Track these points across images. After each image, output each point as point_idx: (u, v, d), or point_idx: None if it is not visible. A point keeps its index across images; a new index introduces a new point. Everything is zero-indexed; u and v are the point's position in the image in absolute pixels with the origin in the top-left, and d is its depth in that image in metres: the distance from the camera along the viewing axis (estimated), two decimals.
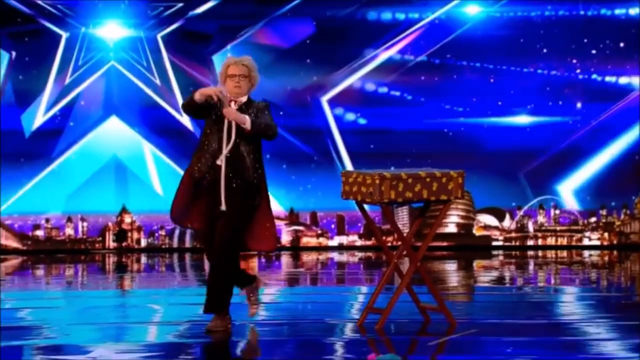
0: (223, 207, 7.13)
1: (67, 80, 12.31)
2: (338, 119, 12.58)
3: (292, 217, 12.50)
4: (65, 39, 12.28)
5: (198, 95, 7.09)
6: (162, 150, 12.46)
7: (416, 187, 7.52)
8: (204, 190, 7.26)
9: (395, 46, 12.54)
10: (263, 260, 11.90)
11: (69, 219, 12.27)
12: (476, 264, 11.71)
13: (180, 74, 12.44)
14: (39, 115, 12.28)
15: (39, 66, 12.27)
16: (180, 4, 12.38)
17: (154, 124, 12.46)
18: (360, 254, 12.20)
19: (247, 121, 7.09)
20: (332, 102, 12.59)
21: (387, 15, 12.58)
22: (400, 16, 12.58)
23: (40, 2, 12.20)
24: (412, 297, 7.81)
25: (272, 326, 7.83)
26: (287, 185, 12.45)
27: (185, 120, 12.42)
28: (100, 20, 12.31)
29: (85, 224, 12.32)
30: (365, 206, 7.76)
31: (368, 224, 8.12)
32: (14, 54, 12.17)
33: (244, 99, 7.28)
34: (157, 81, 12.45)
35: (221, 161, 7.13)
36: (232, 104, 7.22)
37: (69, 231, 12.29)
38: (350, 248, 12.46)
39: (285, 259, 12.01)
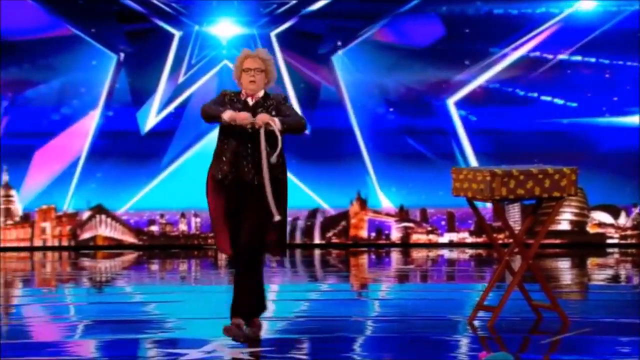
0: (276, 218, 6.72)
1: (180, 80, 12.46)
2: (458, 118, 12.45)
3: (402, 214, 12.46)
4: (178, 37, 12.44)
5: (228, 119, 6.74)
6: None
7: (528, 184, 7.41)
8: (224, 190, 6.91)
9: (515, 43, 12.35)
10: (373, 256, 11.89)
11: (183, 215, 12.45)
12: (590, 261, 11.50)
13: (293, 73, 12.48)
14: (151, 115, 12.45)
15: (151, 65, 12.45)
16: (294, 1, 12.41)
17: None
18: (470, 251, 12.10)
19: (277, 125, 6.77)
20: (456, 102, 12.47)
21: (512, 11, 12.39)
22: (515, 12, 12.40)
23: (154, 1, 12.38)
24: (524, 295, 7.71)
25: (382, 323, 7.80)
26: (397, 182, 12.41)
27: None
28: (214, 18, 12.43)
29: (198, 219, 12.47)
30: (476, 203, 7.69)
31: (479, 221, 8.04)
32: (122, 55, 12.36)
33: (261, 93, 6.93)
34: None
35: (265, 173, 6.73)
36: (249, 99, 6.90)
37: (183, 227, 12.46)
38: (460, 245, 12.36)
39: (395, 255, 11.97)
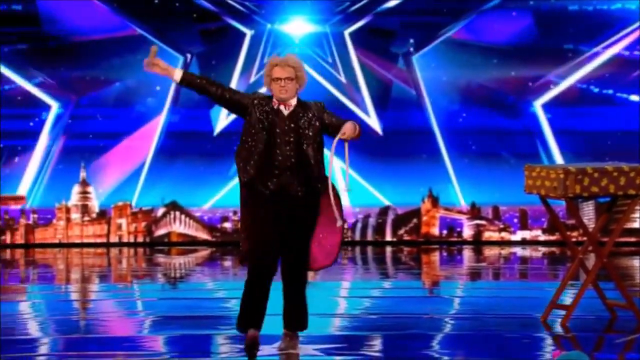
0: (339, 222, 6.48)
1: (252, 79, 12.47)
2: (545, 119, 12.31)
3: (474, 212, 12.33)
4: (250, 36, 12.46)
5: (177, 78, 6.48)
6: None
7: (602, 182, 7.27)
8: (264, 201, 6.52)
9: (606, 42, 12.16)
10: (444, 254, 11.79)
11: None
12: None
13: (366, 71, 12.42)
14: (222, 116, 12.48)
15: (223, 64, 12.48)
16: None
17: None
18: (543, 249, 11.94)
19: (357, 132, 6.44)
20: (542, 104, 12.33)
21: (588, 7, 12.21)
22: (590, 8, 12.22)
23: (227, 0, 12.40)
24: (598, 293, 7.57)
25: (455, 321, 7.73)
26: (470, 179, 12.29)
27: (373, 121, 12.38)
28: (286, 16, 12.43)
29: None
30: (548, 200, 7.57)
31: (552, 218, 7.91)
32: (188, 56, 12.40)
33: (294, 101, 6.52)
34: (342, 78, 12.48)
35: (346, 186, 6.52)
36: (282, 107, 6.50)
37: None
38: (533, 243, 12.20)
39: (467, 253, 11.86)
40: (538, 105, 12.26)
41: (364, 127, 12.18)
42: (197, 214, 12.40)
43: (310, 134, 6.48)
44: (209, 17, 12.38)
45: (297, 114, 6.50)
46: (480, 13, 12.17)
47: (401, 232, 12.30)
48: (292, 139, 6.46)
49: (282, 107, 6.50)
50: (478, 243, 12.25)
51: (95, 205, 12.29)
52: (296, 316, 6.65)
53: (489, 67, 12.24)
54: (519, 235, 12.28)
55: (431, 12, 12.25)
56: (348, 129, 6.43)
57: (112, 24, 12.31)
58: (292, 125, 6.48)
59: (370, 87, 12.33)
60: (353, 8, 12.32)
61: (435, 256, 11.66)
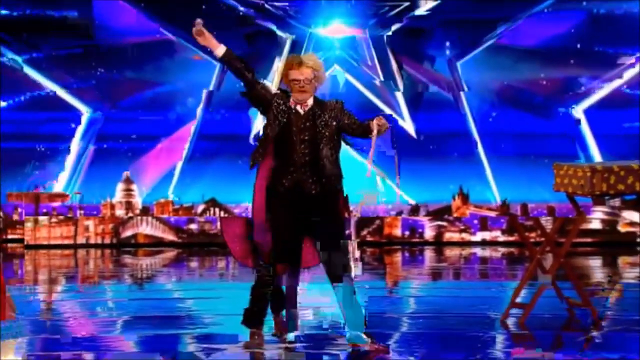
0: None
1: None
2: (585, 122, 12.38)
3: (504, 208, 12.30)
4: (291, 40, 12.45)
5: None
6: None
7: (629, 179, 7.28)
8: (281, 199, 6.53)
9: None
10: (407, 254, 11.84)
11: None
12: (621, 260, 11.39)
13: (404, 74, 12.44)
14: (259, 118, 12.53)
15: (265, 69, 12.50)
16: (407, 3, 12.31)
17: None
18: (502, 250, 12.01)
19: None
20: (584, 109, 12.40)
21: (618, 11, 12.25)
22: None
23: (267, 6, 12.40)
24: (556, 292, 7.64)
25: (415, 319, 7.76)
26: (502, 177, 12.38)
27: (407, 124, 12.44)
28: (326, 20, 12.40)
29: None
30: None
31: (511, 219, 7.96)
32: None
33: (310, 100, 6.52)
34: (378, 82, 12.50)
35: (370, 173, 6.50)
36: (298, 107, 6.50)
37: None
38: (492, 243, 12.25)
39: (429, 253, 11.91)
40: (580, 109, 12.30)
41: (397, 129, 12.35)
42: (236, 211, 12.43)
43: (327, 133, 6.46)
44: (249, 21, 12.42)
45: (314, 113, 6.49)
46: (519, 18, 12.17)
47: (364, 233, 12.34)
48: (307, 138, 6.44)
49: (298, 107, 6.49)
50: (439, 244, 12.31)
51: (138, 202, 12.45)
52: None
53: (531, 70, 12.26)
54: (479, 236, 12.35)
55: (470, 17, 12.18)
56: (381, 127, 6.35)
57: (147, 28, 12.36)
58: (308, 124, 6.46)
59: (407, 89, 12.38)
60: (392, 12, 12.29)
61: (398, 257, 11.69)
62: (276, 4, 12.40)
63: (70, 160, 12.57)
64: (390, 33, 12.40)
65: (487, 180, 12.41)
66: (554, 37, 12.28)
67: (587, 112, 12.38)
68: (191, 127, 12.58)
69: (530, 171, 12.18)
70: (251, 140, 12.42)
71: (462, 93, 12.42)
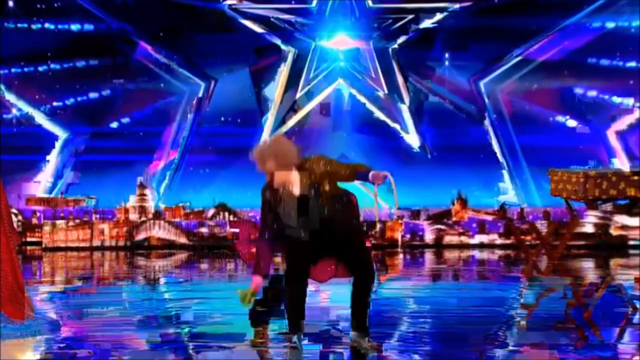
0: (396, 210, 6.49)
1: (298, 94, 12.55)
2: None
3: (501, 213, 12.33)
4: (293, 53, 12.50)
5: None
6: (379, 151, 12.52)
7: (620, 185, 7.35)
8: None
9: None
10: (407, 257, 11.85)
11: None
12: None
13: (410, 86, 12.47)
14: (267, 129, 12.60)
15: (271, 82, 12.56)
16: (411, 16, 12.31)
17: (380, 134, 12.55)
18: (499, 252, 12.02)
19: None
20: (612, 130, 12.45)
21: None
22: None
23: (273, 20, 12.45)
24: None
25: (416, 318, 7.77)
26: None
27: (411, 136, 12.51)
28: (331, 33, 12.43)
29: None
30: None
31: (572, 219, 7.91)
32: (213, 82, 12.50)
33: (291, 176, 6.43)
34: (381, 93, 12.53)
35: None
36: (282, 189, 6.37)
37: None
38: (490, 246, 12.27)
39: (429, 256, 11.92)
40: (611, 132, 12.32)
41: (400, 143, 12.42)
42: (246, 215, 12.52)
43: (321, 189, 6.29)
44: (254, 36, 12.48)
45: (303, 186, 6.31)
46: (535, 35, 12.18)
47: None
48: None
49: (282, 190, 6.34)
50: (439, 246, 12.33)
51: (151, 206, 12.56)
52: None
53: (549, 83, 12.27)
54: (477, 239, 12.37)
55: (469, 29, 12.15)
56: (377, 176, 6.24)
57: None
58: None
59: (413, 101, 12.40)
60: (396, 25, 12.29)
61: (399, 259, 11.71)
62: (281, 17, 12.44)
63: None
64: (396, 46, 12.38)
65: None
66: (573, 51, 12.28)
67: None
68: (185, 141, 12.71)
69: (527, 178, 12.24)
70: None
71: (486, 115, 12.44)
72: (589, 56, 12.37)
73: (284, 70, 12.57)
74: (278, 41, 12.48)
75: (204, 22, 12.44)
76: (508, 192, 12.52)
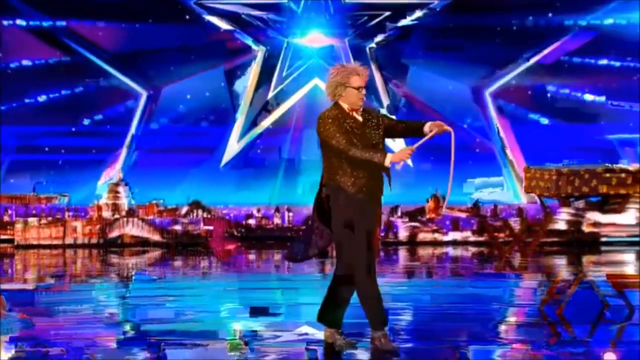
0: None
1: (270, 94, 12.51)
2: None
3: (474, 210, 12.31)
4: (264, 52, 12.43)
5: (388, 163, 6.06)
6: None
7: (593, 182, 7.39)
8: (364, 210, 6.20)
9: None
10: (382, 254, 11.85)
11: (277, 210, 12.60)
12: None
13: (386, 85, 12.43)
14: (235, 133, 12.56)
15: (244, 79, 12.50)
16: (387, 13, 12.22)
17: None
18: (473, 249, 12.04)
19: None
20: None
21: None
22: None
23: (244, 17, 12.37)
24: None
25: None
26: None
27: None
28: (304, 30, 12.36)
29: (290, 214, 12.60)
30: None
31: (546, 216, 7.94)
32: (149, 92, 12.45)
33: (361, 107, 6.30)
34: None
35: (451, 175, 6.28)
36: (355, 114, 6.21)
37: (277, 220, 12.60)
38: (463, 243, 12.28)
39: (403, 253, 11.92)
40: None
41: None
42: (224, 211, 12.45)
43: (378, 135, 6.21)
44: (225, 34, 12.40)
45: (368, 120, 6.22)
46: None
47: None
48: (374, 143, 6.19)
49: (354, 114, 6.22)
50: (413, 243, 12.33)
51: (124, 204, 12.49)
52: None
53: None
54: (450, 236, 12.38)
55: (444, 27, 12.14)
56: (437, 126, 6.20)
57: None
58: (367, 130, 6.19)
59: (391, 97, 12.36)
60: (372, 22, 12.22)
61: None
62: (253, 13, 12.37)
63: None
64: (373, 45, 12.32)
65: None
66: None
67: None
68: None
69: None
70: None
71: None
72: (574, 56, 12.41)
73: (254, 69, 12.49)
74: (249, 40, 12.39)
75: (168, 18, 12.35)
76: (490, 187, 12.53)
